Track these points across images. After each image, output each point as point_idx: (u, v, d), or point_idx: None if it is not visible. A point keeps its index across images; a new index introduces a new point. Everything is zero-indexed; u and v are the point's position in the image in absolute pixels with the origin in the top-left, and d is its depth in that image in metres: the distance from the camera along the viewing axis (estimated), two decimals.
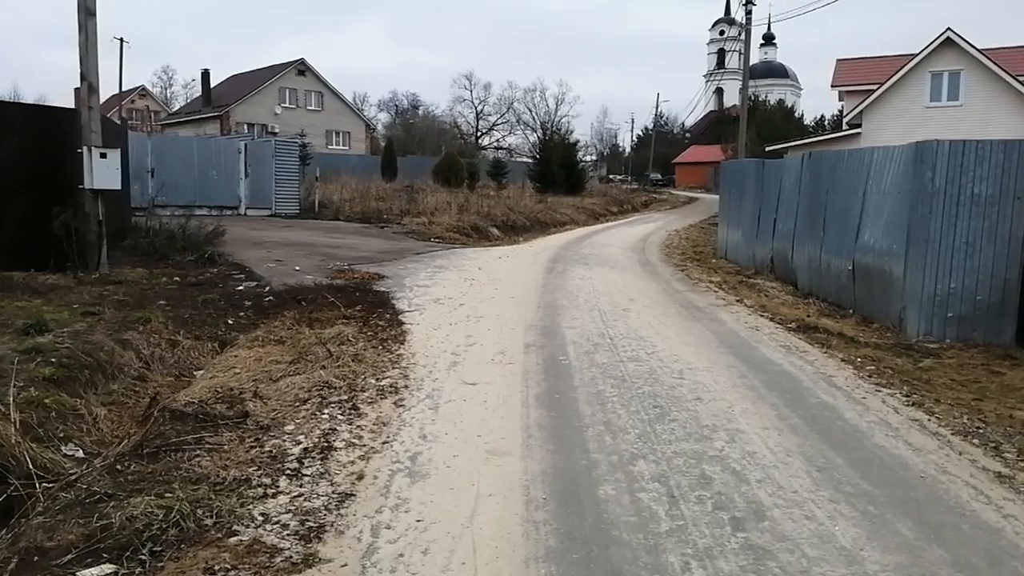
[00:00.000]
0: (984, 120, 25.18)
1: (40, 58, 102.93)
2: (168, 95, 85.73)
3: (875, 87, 28.23)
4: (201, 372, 6.54)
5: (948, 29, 26.04)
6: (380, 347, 6.70)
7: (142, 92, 79.81)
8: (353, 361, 6.08)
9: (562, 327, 7.74)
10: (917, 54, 26.65)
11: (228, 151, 21.40)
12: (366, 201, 24.81)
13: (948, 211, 8.24)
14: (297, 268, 10.92)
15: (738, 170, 17.30)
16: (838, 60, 36.39)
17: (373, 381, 5.62)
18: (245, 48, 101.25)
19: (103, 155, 9.45)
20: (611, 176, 79.58)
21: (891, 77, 27.10)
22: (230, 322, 7.99)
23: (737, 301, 10.03)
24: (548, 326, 7.80)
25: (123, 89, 56.15)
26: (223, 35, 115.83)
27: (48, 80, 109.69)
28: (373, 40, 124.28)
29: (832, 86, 35.70)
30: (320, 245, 14.64)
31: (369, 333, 7.23)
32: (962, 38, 25.86)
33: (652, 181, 71.93)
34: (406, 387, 5.53)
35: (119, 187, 10.36)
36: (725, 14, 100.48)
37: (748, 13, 29.70)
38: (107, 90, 68.16)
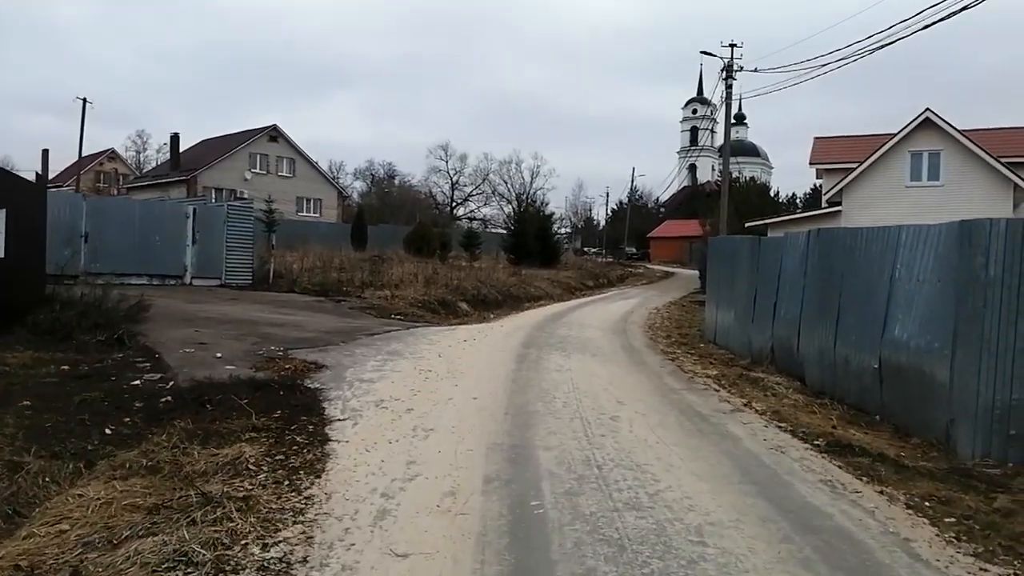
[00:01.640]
0: (963, 199, 24.68)
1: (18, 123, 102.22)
2: (141, 159, 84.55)
3: (853, 165, 27.87)
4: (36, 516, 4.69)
5: (927, 110, 25.80)
6: (286, 482, 4.88)
7: (111, 155, 78.46)
8: (239, 512, 4.25)
9: (535, 447, 5.99)
10: (896, 134, 26.38)
11: (174, 215, 19.67)
12: (327, 271, 23.11)
13: (1008, 305, 6.74)
14: (219, 355, 9.10)
15: (728, 247, 15.94)
16: (815, 138, 36.19)
17: (256, 551, 3.80)
18: (223, 117, 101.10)
19: None
20: (586, 249, 79.12)
21: (870, 156, 26.77)
22: (108, 432, 6.16)
23: (745, 405, 8.36)
24: (517, 444, 6.04)
25: (83, 151, 54.68)
26: (201, 104, 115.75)
27: (24, 144, 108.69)
28: (349, 113, 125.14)
29: (810, 163, 35.42)
30: (261, 323, 12.83)
31: (279, 457, 5.41)
32: (941, 118, 25.60)
33: (627, 254, 71.40)
34: (304, 561, 3.73)
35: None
36: (698, 94, 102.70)
37: (728, 88, 29.19)
38: (70, 152, 66.75)
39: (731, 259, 15.15)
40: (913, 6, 15.41)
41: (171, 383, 7.57)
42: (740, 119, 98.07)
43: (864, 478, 5.65)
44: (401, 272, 23.84)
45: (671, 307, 25.65)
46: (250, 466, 5.12)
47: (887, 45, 17.76)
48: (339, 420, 6.55)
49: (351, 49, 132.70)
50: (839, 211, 27.46)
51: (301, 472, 5.12)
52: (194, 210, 19.83)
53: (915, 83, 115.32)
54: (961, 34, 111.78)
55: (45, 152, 73.79)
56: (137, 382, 7.62)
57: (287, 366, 8.76)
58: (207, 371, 8.14)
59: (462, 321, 17.52)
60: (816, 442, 6.77)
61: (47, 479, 5.32)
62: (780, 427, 7.31)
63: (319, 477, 5.02)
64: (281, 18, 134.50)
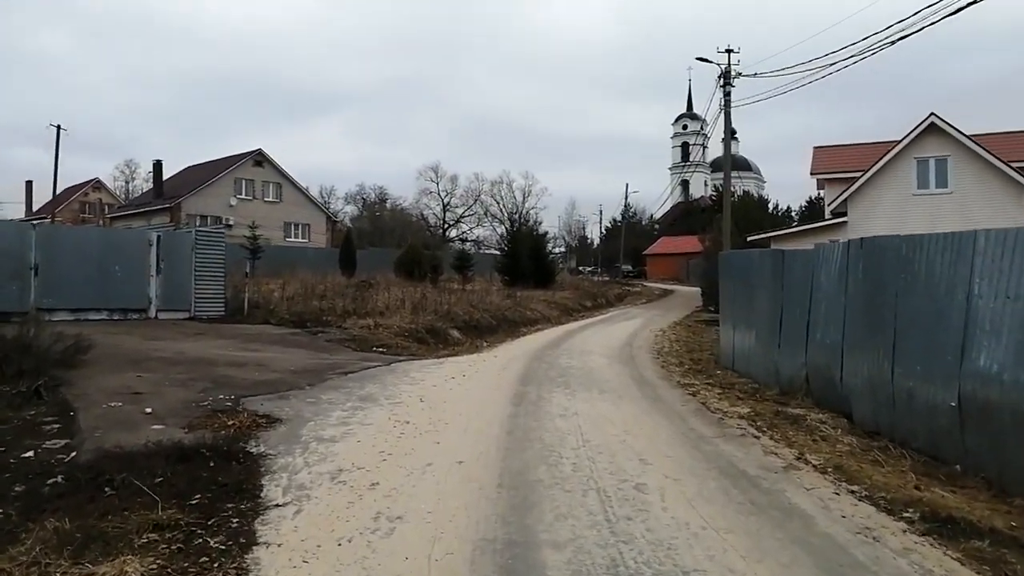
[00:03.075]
0: (975, 206, 23.51)
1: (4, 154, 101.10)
2: (130, 188, 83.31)
3: (856, 174, 26.74)
4: None
5: (932, 114, 24.69)
6: None
7: (96, 185, 77.22)
8: None
9: (541, 543, 4.36)
10: (901, 140, 25.26)
11: (136, 244, 18.02)
12: (308, 300, 21.46)
13: None
14: (149, 410, 7.45)
15: (744, 262, 14.38)
16: (815, 148, 35.01)
17: None
18: (210, 145, 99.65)
19: None
20: (581, 267, 77.65)
21: (875, 164, 25.62)
22: None
23: (797, 458, 6.74)
24: (516, 540, 4.41)
25: (67, 181, 53.32)
26: (188, 133, 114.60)
27: (11, 175, 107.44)
28: (336, 138, 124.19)
29: (811, 174, 34.23)
30: (220, 363, 11.18)
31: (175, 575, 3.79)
32: (947, 123, 24.43)
33: (623, 272, 69.87)
34: None
35: None
36: (687, 109, 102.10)
37: (726, 95, 27.82)
38: (46, 181, 65.50)
39: (748, 275, 13.60)
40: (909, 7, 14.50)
41: (72, 454, 5.93)
42: (731, 133, 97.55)
43: None
44: (387, 298, 22.20)
45: (677, 328, 24.08)
46: None
47: (902, 39, 16.34)
48: (277, 506, 4.90)
49: (336, 74, 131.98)
50: (844, 222, 26.29)
51: None
52: (158, 237, 18.19)
53: (898, 94, 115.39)
54: (948, 43, 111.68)
55: (29, 183, 72.56)
56: (31, 453, 5.97)
57: (231, 422, 7.10)
58: (126, 434, 6.49)
59: (452, 351, 15.88)
60: (907, 514, 5.15)
61: None
62: (853, 492, 5.69)
63: None
64: (265, 45, 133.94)
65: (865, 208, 25.85)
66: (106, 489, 5.10)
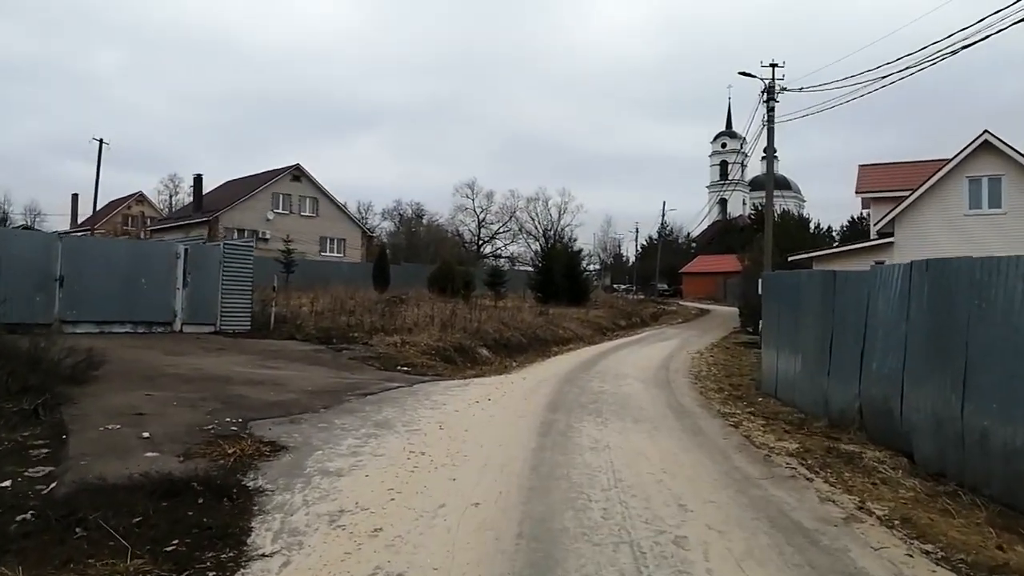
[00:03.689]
0: None
1: (52, 169, 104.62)
2: (173, 202, 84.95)
3: (905, 194, 25.69)
4: None
5: (985, 131, 23.61)
6: None
7: (139, 198, 78.83)
8: None
9: None
10: (952, 159, 24.16)
11: (163, 256, 17.79)
12: (336, 315, 21.07)
13: None
14: (146, 435, 6.93)
15: (790, 283, 13.54)
16: (861, 166, 33.94)
17: None
18: (251, 161, 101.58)
19: None
20: (615, 285, 76.67)
21: (924, 183, 24.58)
22: None
23: (859, 507, 5.94)
24: None
25: (113, 195, 54.49)
26: (230, 149, 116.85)
27: (59, 189, 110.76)
28: (375, 154, 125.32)
29: (856, 192, 33.17)
30: (235, 381, 10.71)
31: None
32: (1001, 140, 23.29)
33: (659, 291, 68.73)
34: None
35: None
36: (727, 127, 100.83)
37: (770, 110, 26.96)
38: (102, 196, 66.87)
39: (794, 297, 12.77)
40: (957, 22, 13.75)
41: (52, 485, 5.41)
42: (773, 150, 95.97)
43: None
44: (416, 315, 21.71)
45: (714, 350, 23.17)
46: None
47: (965, 47, 15.41)
48: (263, 556, 4.30)
49: (375, 91, 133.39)
50: (891, 242, 25.26)
51: None
52: (186, 250, 17.94)
53: (941, 114, 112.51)
54: (994, 59, 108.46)
55: (75, 196, 74.28)
56: (8, 483, 5.47)
57: (232, 450, 6.55)
58: (115, 463, 5.97)
59: (479, 372, 15.25)
60: None
61: None
62: (927, 553, 4.90)
63: None
64: (306, 63, 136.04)
65: (913, 228, 24.83)
66: (77, 530, 4.55)
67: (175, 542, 4.40)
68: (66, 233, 20.33)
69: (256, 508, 5.15)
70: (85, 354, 10.38)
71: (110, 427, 7.20)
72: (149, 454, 6.32)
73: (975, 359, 7.12)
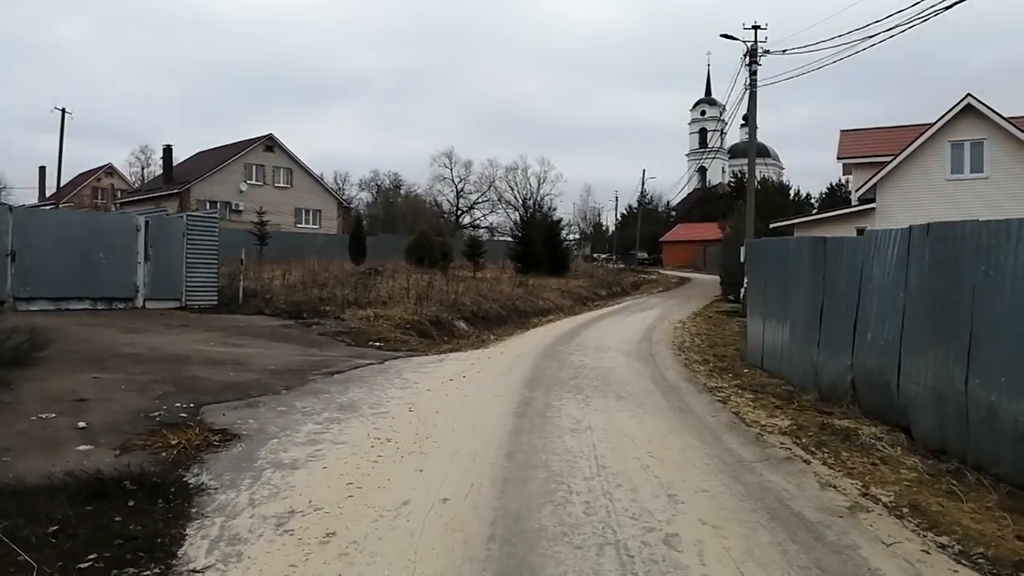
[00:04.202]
0: (1013, 191, 22.10)
1: (19, 142, 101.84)
2: (145, 175, 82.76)
3: (886, 159, 25.33)
4: None
5: (968, 95, 23.22)
6: None
7: (108, 170, 76.75)
8: None
9: None
10: (934, 123, 23.77)
11: (122, 229, 16.90)
12: (309, 288, 20.33)
13: None
14: (83, 425, 6.28)
15: (776, 251, 13.05)
16: (842, 131, 33.48)
17: None
18: (225, 132, 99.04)
19: None
20: (595, 255, 76.20)
21: (906, 148, 24.21)
22: None
23: (863, 493, 5.46)
24: None
25: (66, 165, 52.85)
26: (203, 121, 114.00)
27: (25, 162, 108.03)
28: (350, 125, 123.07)
29: (838, 158, 32.79)
30: (194, 361, 10.04)
31: None
32: (984, 104, 22.90)
33: (639, 260, 68.35)
34: None
35: None
36: (706, 95, 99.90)
37: (752, 74, 26.22)
38: (70, 169, 65.08)
39: (780, 264, 12.30)
40: None
41: None
42: (755, 116, 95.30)
43: None
44: (391, 287, 21.04)
45: (696, 319, 22.77)
46: None
47: (951, 7, 14.82)
48: (192, 573, 3.71)
49: (350, 61, 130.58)
50: (873, 208, 24.96)
51: None
52: (146, 222, 17.06)
53: (920, 81, 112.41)
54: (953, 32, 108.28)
55: (42, 169, 72.05)
56: None
57: (176, 441, 5.91)
58: (40, 459, 5.32)
59: (456, 346, 14.67)
60: None
61: None
62: (943, 547, 4.41)
63: None
64: (278, 34, 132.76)
65: (895, 194, 24.53)
66: None
67: (92, 556, 3.79)
68: (20, 206, 19.30)
69: (194, 511, 4.54)
70: (28, 334, 9.66)
71: (44, 416, 6.53)
72: (82, 447, 5.68)
73: (981, 330, 6.64)
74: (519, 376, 10.34)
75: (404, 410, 7.69)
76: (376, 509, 4.68)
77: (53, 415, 6.59)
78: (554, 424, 7.30)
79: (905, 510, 5.14)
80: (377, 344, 13.54)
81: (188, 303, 17.31)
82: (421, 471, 5.54)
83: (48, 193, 67.85)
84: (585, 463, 5.89)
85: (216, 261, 18.14)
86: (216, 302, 17.82)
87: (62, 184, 60.55)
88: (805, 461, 6.34)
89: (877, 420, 8.25)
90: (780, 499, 5.19)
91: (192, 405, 7.36)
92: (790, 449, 6.76)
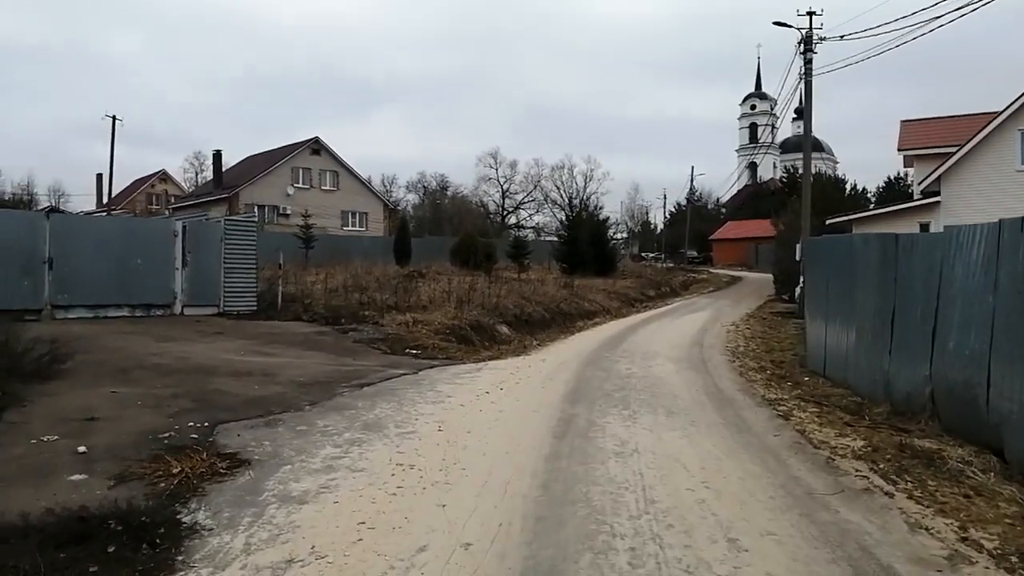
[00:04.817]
0: None
1: (78, 152, 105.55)
2: (198, 180, 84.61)
3: (952, 150, 23.78)
4: None
5: None
6: None
7: (162, 176, 78.72)
8: None
9: None
10: (1002, 111, 22.22)
11: (160, 234, 16.74)
12: (350, 293, 19.96)
13: None
14: (83, 449, 5.81)
15: (839, 249, 12.07)
16: (903, 122, 31.76)
17: None
18: (274, 138, 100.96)
19: None
20: (644, 254, 74.83)
21: (973, 138, 22.69)
22: None
23: (962, 538, 4.59)
24: None
25: (135, 174, 54.19)
26: (255, 128, 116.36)
27: (82, 171, 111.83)
28: (397, 128, 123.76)
29: (899, 150, 31.11)
30: (220, 372, 9.61)
31: None
32: None
33: (688, 259, 66.79)
34: None
35: None
36: (756, 89, 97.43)
37: (807, 62, 24.95)
38: (125, 177, 66.73)
39: (844, 263, 11.34)
40: None
41: None
42: (800, 112, 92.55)
43: None
44: (432, 290, 20.53)
45: (750, 321, 21.71)
46: None
47: None
48: None
49: (396, 65, 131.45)
50: (937, 202, 23.49)
51: None
52: (184, 227, 16.87)
53: (981, 71, 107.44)
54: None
55: (99, 176, 74.13)
56: None
57: (178, 468, 5.39)
58: (26, 491, 4.83)
59: (496, 352, 14.03)
60: None
61: None
62: None
63: None
64: (323, 40, 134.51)
65: (960, 186, 23.07)
66: None
67: None
68: (54, 211, 19.30)
69: (180, 559, 3.97)
70: (49, 345, 9.35)
71: (45, 439, 6.09)
72: (75, 477, 5.19)
73: None
74: (560, 388, 9.64)
75: (433, 429, 7.06)
76: (387, 558, 4.04)
77: (55, 437, 6.14)
78: (597, 447, 6.58)
79: (1015, 560, 4.29)
80: (414, 351, 12.98)
81: (226, 309, 17.05)
82: (444, 506, 4.88)
83: (105, 200, 69.77)
84: (631, 496, 5.16)
85: (255, 266, 17.86)
86: (255, 307, 17.53)
87: (118, 191, 61.97)
88: (887, 494, 5.49)
89: (962, 440, 7.32)
90: (863, 546, 4.39)
91: (207, 424, 6.86)
92: (867, 478, 5.91)
